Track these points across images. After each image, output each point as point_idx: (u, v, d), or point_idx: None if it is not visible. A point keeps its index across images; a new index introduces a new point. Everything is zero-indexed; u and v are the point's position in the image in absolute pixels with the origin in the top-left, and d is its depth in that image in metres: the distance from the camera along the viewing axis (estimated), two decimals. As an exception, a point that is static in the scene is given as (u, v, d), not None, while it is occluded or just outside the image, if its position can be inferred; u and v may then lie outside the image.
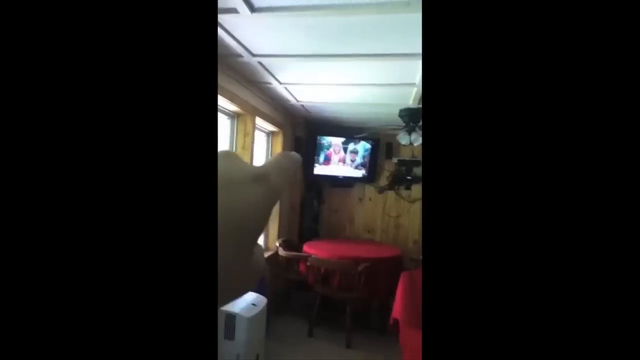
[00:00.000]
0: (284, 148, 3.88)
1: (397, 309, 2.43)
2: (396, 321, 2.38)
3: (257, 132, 3.22)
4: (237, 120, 3.01)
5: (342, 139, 4.28)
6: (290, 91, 3.03)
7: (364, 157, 4.34)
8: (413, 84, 2.55)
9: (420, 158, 4.27)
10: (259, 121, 3.22)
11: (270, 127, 3.63)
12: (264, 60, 2.27)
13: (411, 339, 2.14)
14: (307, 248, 3.55)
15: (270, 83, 2.78)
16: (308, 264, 3.18)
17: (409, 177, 4.31)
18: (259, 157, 3.58)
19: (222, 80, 2.41)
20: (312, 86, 2.84)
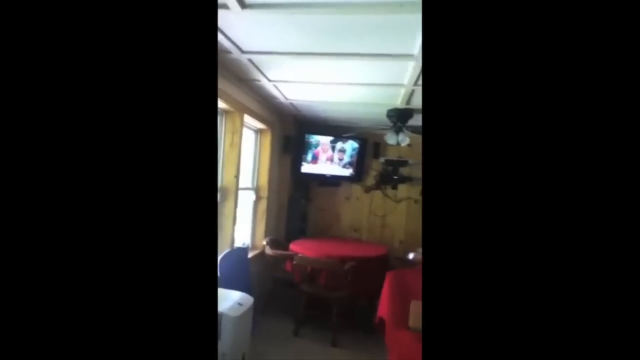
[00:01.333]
0: (272, 146, 3.86)
1: (383, 308, 2.45)
2: (382, 320, 2.40)
3: (245, 130, 3.19)
4: (225, 118, 2.97)
5: (331, 138, 4.28)
6: (280, 89, 3.01)
7: (351, 156, 4.35)
8: (402, 85, 2.56)
9: (406, 158, 4.31)
10: (247, 119, 3.19)
11: (259, 125, 3.60)
12: (253, 57, 2.25)
13: (397, 338, 2.15)
14: (293, 247, 3.54)
15: (259, 80, 2.76)
16: (294, 262, 3.17)
17: (395, 177, 4.35)
18: (247, 155, 3.55)
19: (210, 76, 2.37)
20: (301, 84, 2.83)
